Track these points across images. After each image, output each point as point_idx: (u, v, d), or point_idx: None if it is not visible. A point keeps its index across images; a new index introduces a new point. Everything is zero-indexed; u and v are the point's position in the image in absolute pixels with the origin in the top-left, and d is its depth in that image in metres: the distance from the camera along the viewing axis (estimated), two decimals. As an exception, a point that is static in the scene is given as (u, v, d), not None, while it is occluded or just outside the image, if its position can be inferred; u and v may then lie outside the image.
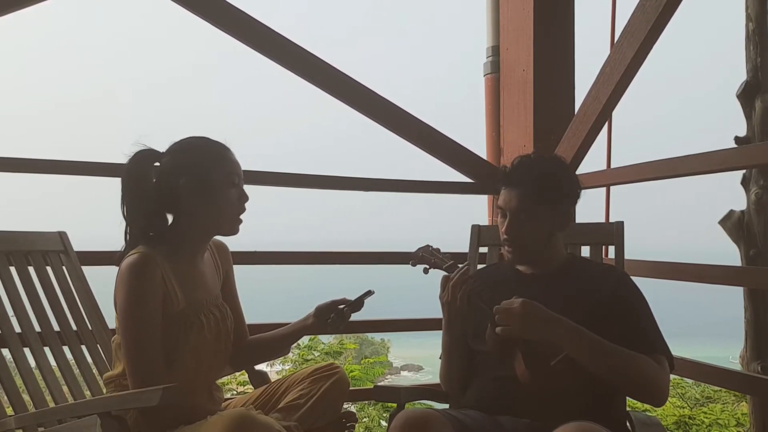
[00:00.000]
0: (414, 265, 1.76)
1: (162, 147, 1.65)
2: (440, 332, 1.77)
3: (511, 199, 1.67)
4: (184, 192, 1.59)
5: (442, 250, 1.75)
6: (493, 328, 1.48)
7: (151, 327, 1.50)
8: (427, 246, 1.76)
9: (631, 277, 1.72)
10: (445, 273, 1.67)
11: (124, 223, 1.62)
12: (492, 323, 1.49)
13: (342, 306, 1.77)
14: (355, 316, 1.81)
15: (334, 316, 1.76)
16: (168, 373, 1.52)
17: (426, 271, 1.73)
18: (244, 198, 1.66)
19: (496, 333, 1.47)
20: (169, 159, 1.63)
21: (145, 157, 1.62)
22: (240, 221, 1.66)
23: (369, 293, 1.78)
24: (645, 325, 1.61)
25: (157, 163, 1.63)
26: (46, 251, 1.91)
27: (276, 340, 1.87)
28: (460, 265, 1.67)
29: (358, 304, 1.77)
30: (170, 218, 1.65)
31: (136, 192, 1.60)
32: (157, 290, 1.52)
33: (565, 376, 1.45)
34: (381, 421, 4.52)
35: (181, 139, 1.65)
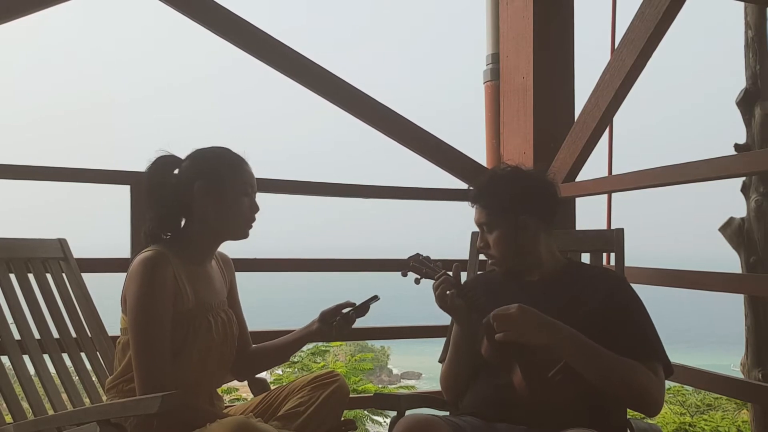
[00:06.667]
0: (405, 274, 1.73)
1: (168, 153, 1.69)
2: (440, 339, 1.77)
3: (475, 214, 1.73)
4: (198, 195, 1.62)
5: (441, 258, 1.73)
6: (489, 338, 1.46)
7: (161, 321, 1.51)
8: (417, 255, 1.73)
9: (631, 284, 1.71)
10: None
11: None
12: (487, 333, 1.45)
13: (347, 310, 1.78)
14: (355, 323, 1.82)
15: (339, 320, 1.77)
16: (173, 372, 1.52)
17: (417, 281, 1.70)
18: (255, 208, 1.69)
19: (491, 342, 1.45)
20: (189, 163, 1.67)
21: (165, 163, 1.67)
22: (250, 226, 1.70)
23: (375, 298, 1.79)
24: (642, 330, 1.59)
25: (177, 170, 1.67)
26: (46, 258, 1.91)
27: (280, 348, 1.87)
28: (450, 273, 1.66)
29: (363, 308, 1.78)
30: (183, 222, 1.68)
31: (153, 196, 1.65)
32: (168, 286, 1.53)
33: (563, 387, 1.43)
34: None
35: (203, 147, 1.69)
